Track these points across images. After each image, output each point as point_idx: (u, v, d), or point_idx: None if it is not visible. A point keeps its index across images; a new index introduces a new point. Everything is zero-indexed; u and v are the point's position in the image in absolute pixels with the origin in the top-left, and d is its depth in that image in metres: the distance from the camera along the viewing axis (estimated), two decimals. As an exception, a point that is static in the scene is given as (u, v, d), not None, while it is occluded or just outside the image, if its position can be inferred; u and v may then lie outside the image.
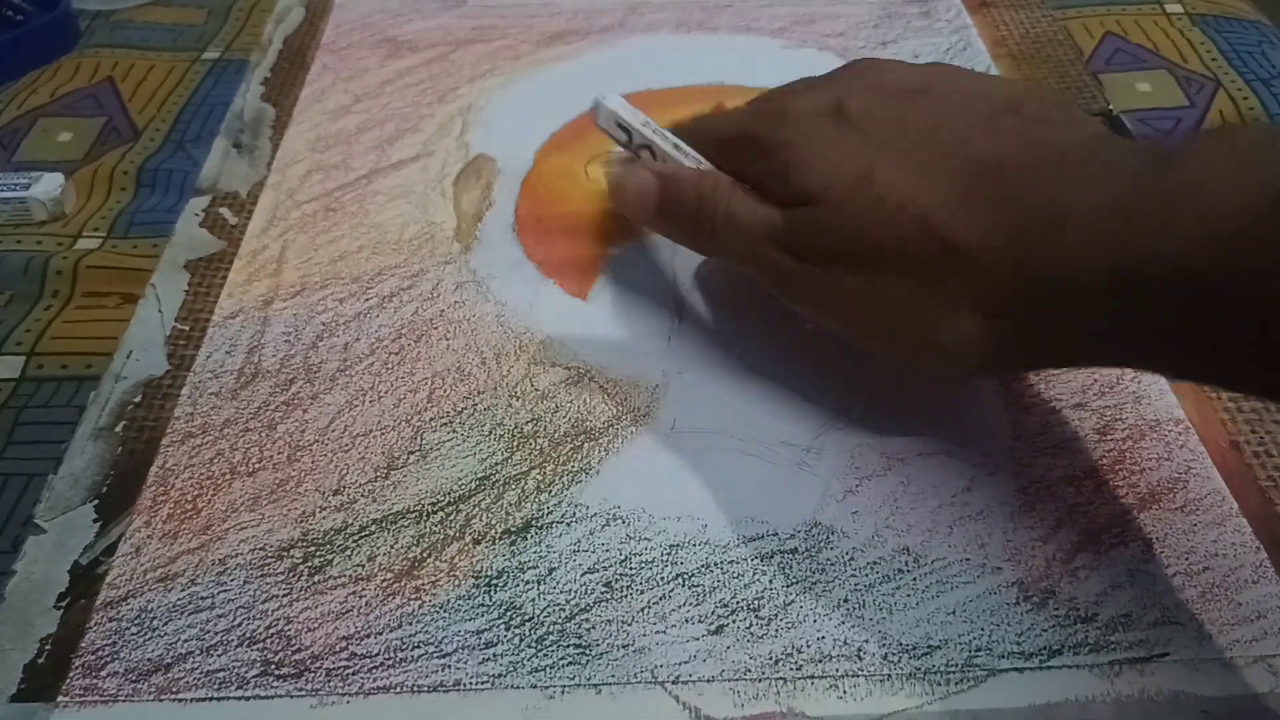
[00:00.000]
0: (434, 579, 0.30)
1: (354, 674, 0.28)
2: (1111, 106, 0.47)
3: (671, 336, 0.37)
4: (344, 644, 0.28)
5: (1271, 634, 0.28)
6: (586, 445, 0.34)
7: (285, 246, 0.41)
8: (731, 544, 0.31)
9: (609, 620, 0.29)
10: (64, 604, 0.29)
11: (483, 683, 0.28)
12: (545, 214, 0.42)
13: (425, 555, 0.30)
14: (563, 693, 0.27)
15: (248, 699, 0.27)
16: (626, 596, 0.29)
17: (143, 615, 0.29)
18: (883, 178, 0.28)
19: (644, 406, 0.35)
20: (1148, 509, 0.31)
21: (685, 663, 0.28)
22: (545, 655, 0.28)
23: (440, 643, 0.28)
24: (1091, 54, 0.51)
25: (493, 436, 0.34)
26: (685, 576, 0.30)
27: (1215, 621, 0.29)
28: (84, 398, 0.35)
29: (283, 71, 0.51)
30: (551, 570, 0.30)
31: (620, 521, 0.31)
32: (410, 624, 0.29)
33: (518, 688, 0.28)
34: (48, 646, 0.28)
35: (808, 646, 0.28)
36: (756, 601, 0.29)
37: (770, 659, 0.28)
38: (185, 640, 0.28)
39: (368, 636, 0.29)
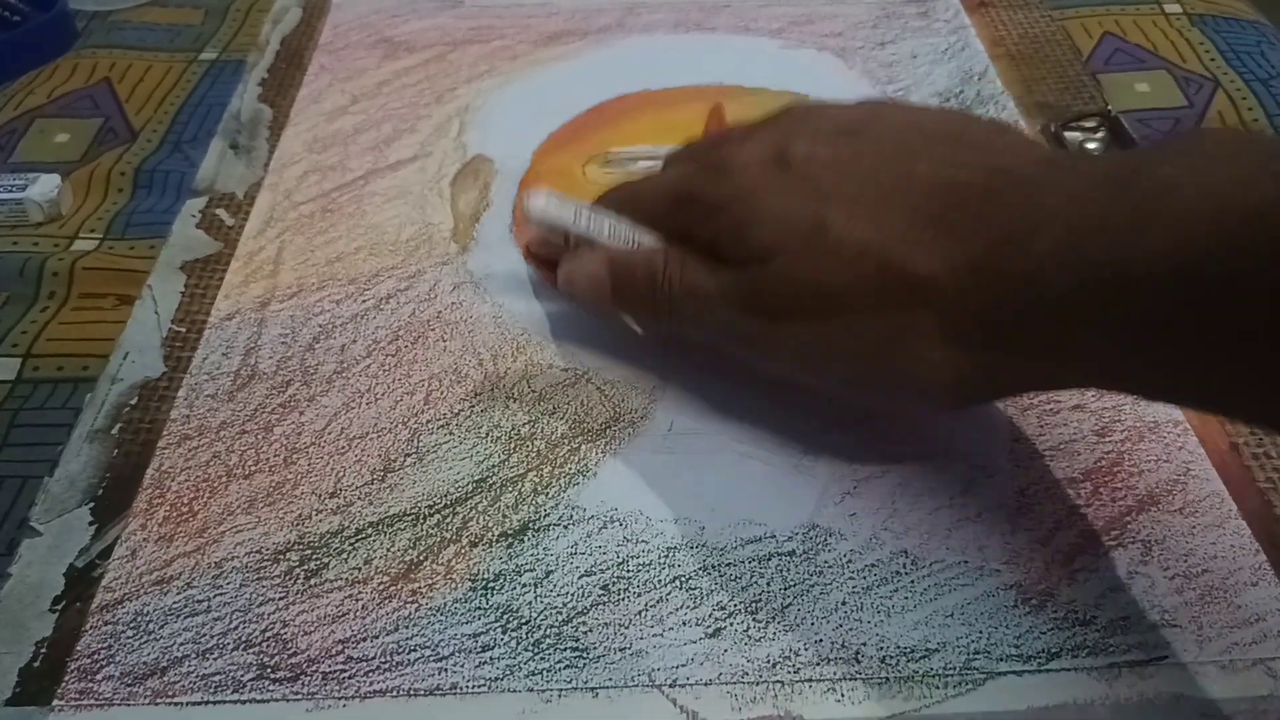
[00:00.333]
0: (430, 582, 0.30)
1: (350, 677, 0.28)
2: (1110, 107, 0.47)
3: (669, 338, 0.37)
4: (340, 647, 0.28)
5: (1271, 636, 0.28)
6: (584, 447, 0.33)
7: (282, 248, 0.41)
8: (729, 546, 0.31)
9: (606, 623, 0.29)
10: (59, 607, 0.29)
11: (479, 686, 0.28)
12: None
13: (422, 558, 0.30)
14: (560, 696, 0.27)
15: (244, 702, 0.27)
16: (624, 599, 0.29)
17: (138, 619, 0.29)
18: (837, 224, 0.28)
19: (641, 409, 0.35)
20: (1147, 511, 0.31)
21: (682, 666, 0.28)
22: (542, 658, 0.28)
23: (437, 646, 0.28)
24: (1090, 54, 0.51)
25: (489, 439, 0.34)
26: (683, 579, 0.30)
27: (1214, 624, 0.29)
28: (80, 400, 0.35)
29: (280, 72, 0.51)
30: (548, 573, 0.30)
31: (617, 524, 0.31)
32: (407, 627, 0.29)
33: (515, 691, 0.27)
34: (43, 650, 0.28)
35: (805, 649, 0.28)
36: (754, 604, 0.29)
37: (768, 662, 0.28)
38: (181, 644, 0.28)
39: (364, 640, 0.28)
